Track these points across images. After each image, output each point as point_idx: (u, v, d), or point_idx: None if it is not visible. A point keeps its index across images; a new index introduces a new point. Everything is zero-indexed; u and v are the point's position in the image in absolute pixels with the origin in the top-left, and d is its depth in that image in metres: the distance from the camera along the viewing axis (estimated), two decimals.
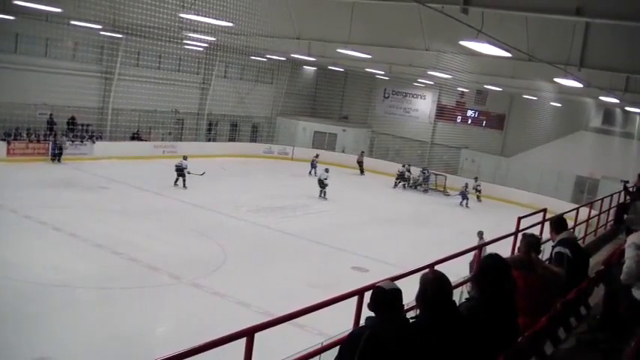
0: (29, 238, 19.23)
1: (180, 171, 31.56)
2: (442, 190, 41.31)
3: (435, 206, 36.34)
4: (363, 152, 45.96)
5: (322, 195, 33.31)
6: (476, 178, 39.78)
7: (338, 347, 4.76)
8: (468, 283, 6.13)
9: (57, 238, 19.94)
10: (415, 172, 42.57)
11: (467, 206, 37.15)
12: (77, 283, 16.03)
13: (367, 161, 45.19)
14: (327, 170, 33.96)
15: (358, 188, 38.42)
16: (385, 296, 4.56)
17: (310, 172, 41.12)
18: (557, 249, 7.69)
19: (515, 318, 5.38)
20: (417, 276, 4.99)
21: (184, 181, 31.42)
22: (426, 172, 42.76)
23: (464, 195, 37.45)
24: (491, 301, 5.07)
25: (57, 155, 33.24)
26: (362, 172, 44.48)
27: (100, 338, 13.08)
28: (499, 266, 5.28)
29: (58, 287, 15.56)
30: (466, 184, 38.11)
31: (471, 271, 20.16)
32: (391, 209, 32.91)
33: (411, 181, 41.97)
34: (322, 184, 33.44)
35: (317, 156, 43.02)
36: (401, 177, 41.75)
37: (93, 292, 15.92)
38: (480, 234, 21.78)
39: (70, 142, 33.93)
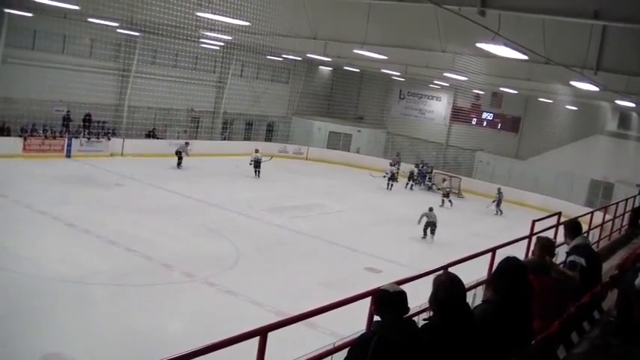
0: (43, 234, 19.33)
1: (257, 163, 35.92)
2: (457, 192, 41.18)
3: (449, 208, 36.20)
4: (398, 154, 46.19)
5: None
6: (450, 178, 40.13)
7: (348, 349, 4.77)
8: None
9: (71, 234, 20.03)
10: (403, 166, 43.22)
11: (500, 213, 36.80)
12: (90, 279, 16.10)
13: (382, 162, 44.97)
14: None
15: (372, 189, 38.34)
16: (390, 299, 4.57)
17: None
18: (571, 257, 7.63)
19: (530, 322, 5.38)
20: (431, 278, 4.99)
21: (259, 171, 35.96)
22: (420, 166, 43.44)
23: (498, 202, 37.23)
24: (506, 304, 5.07)
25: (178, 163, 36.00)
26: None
27: (111, 334, 13.14)
28: (516, 269, 5.27)
29: (70, 283, 15.63)
30: (498, 189, 37.88)
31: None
32: (405, 210, 32.81)
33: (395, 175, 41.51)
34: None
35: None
36: (410, 176, 42.14)
37: (106, 289, 15.99)
38: (430, 209, 26.82)
39: (87, 139, 34.15)
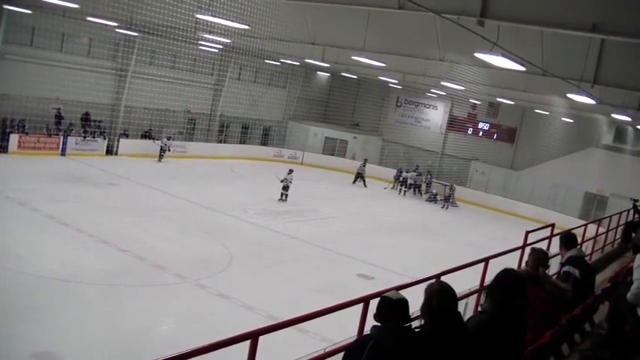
0: (36, 232, 19.27)
1: (162, 149, 37.41)
2: (451, 201, 41.25)
3: (443, 216, 36.33)
4: (417, 166, 46.54)
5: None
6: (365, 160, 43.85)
7: (342, 353, 4.77)
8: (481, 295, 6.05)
9: (63, 232, 19.98)
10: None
11: (446, 207, 39.54)
12: (82, 279, 16.06)
13: (378, 170, 45.23)
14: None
15: (366, 195, 38.40)
16: (391, 306, 4.57)
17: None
18: (565, 268, 7.64)
19: (525, 334, 5.38)
20: (423, 286, 4.99)
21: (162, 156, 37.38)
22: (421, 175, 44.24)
23: (448, 197, 40.06)
24: (503, 316, 5.06)
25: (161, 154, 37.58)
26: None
27: (103, 334, 13.10)
28: (514, 281, 5.27)
29: (62, 281, 15.60)
30: (451, 185, 40.97)
31: None
32: (398, 218, 32.90)
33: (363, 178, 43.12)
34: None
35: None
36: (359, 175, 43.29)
37: (97, 288, 15.96)
38: (290, 171, 30.59)
39: (82, 138, 34.16)
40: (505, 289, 5.20)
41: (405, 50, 22.27)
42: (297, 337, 11.48)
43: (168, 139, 37.73)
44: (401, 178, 42.94)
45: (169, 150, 37.45)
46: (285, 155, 46.78)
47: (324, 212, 30.41)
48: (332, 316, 6.03)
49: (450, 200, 40.15)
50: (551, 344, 6.15)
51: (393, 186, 43.14)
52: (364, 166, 43.04)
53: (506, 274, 5.37)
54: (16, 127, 31.53)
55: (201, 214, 25.70)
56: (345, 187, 39.35)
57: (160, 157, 36.94)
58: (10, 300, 13.94)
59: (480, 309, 5.50)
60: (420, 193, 43.12)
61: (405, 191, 42.41)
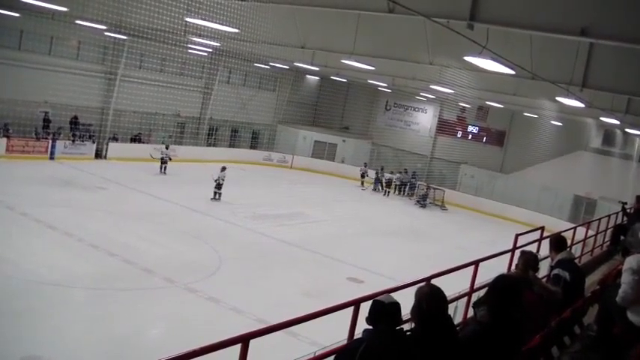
0: (24, 236, 19.18)
1: (163, 159, 35.63)
2: (440, 204, 41.31)
3: (432, 220, 36.34)
4: (415, 172, 46.88)
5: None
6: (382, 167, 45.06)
7: (332, 357, 4.76)
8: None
9: (52, 236, 19.90)
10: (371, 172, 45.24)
11: (423, 207, 40.29)
12: (70, 283, 15.99)
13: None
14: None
15: (356, 199, 38.40)
16: (384, 310, 4.56)
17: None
18: (555, 271, 7.65)
19: (520, 344, 5.36)
20: (413, 289, 4.99)
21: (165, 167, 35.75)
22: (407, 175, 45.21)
23: (424, 196, 41.00)
24: (499, 327, 5.04)
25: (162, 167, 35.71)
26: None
27: (91, 339, 13.04)
28: (511, 288, 5.26)
29: (51, 286, 15.52)
30: (427, 185, 42.14)
31: None
32: (388, 221, 32.88)
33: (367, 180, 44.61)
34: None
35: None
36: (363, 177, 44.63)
37: (86, 293, 15.90)
38: (223, 168, 30.40)
39: (71, 142, 34.04)
40: (501, 296, 5.18)
41: (395, 54, 22.26)
42: (287, 340, 11.47)
43: (167, 147, 36.49)
44: (383, 179, 43.95)
45: (170, 159, 35.94)
46: (274, 159, 46.82)
47: (314, 216, 30.33)
48: (322, 319, 6.01)
49: (427, 200, 40.89)
50: (541, 347, 6.15)
51: (374, 188, 43.91)
52: (383, 170, 44.69)
53: (503, 281, 5.36)
54: (0, 131, 31.41)
55: (190, 218, 25.64)
56: (334, 191, 39.27)
57: (164, 168, 35.58)
58: None
59: (476, 317, 5.46)
60: (403, 192, 44.23)
61: (387, 192, 43.43)
